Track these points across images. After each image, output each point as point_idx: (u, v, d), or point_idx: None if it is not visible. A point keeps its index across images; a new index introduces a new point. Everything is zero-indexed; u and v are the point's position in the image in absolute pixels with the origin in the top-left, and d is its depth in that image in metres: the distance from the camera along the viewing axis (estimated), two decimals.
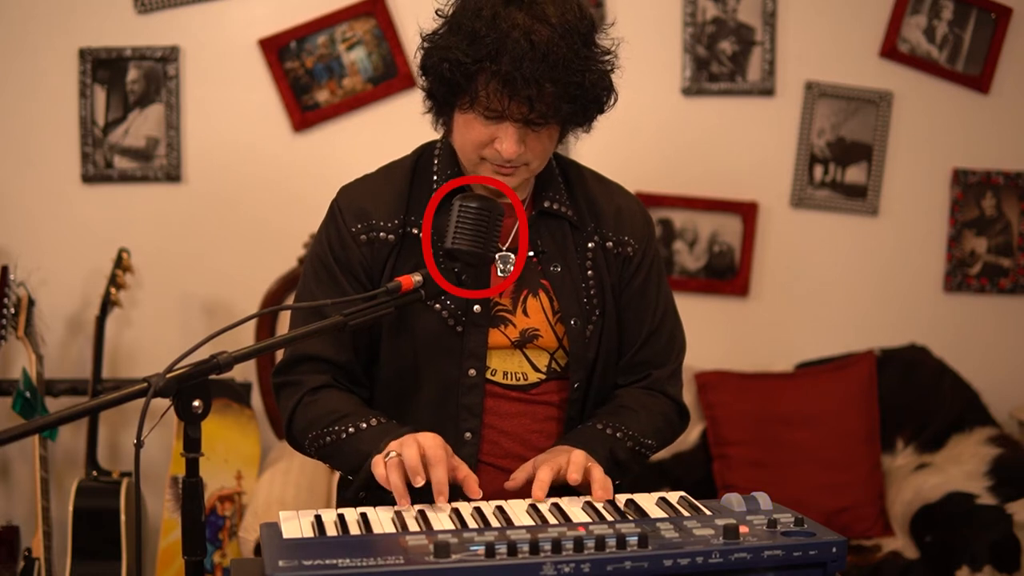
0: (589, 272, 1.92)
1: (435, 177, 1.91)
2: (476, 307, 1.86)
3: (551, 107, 1.73)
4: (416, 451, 1.67)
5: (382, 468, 1.68)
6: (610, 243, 1.94)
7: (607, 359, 1.94)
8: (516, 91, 1.70)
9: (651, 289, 1.97)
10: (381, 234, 1.87)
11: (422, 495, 1.69)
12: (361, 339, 1.89)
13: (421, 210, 1.89)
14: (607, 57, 1.80)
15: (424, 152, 1.96)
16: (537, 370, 1.91)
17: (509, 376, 1.89)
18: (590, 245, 1.93)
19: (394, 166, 1.96)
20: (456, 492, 1.72)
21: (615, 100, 1.84)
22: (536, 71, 1.68)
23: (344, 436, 1.80)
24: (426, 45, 1.79)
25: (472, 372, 1.86)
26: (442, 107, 1.84)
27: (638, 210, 2.00)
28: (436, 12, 1.80)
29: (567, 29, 1.72)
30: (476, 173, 1.84)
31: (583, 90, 1.73)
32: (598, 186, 1.99)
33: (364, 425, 1.79)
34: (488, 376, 1.88)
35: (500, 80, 1.70)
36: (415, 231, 1.88)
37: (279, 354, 2.03)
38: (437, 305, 1.85)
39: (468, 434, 1.87)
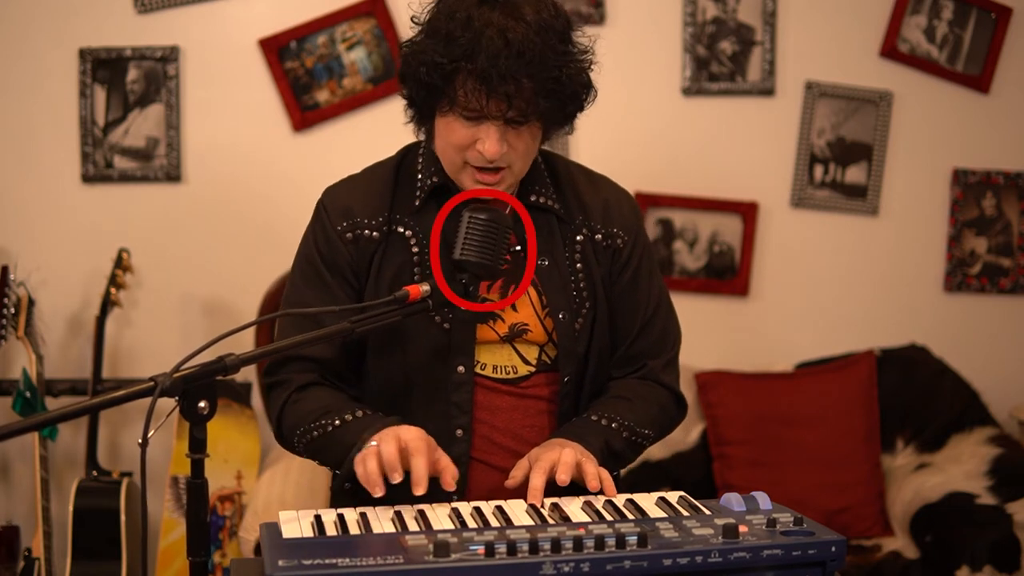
0: (578, 265, 1.92)
1: (419, 176, 1.92)
2: None
3: (530, 103, 1.74)
4: (395, 446, 1.64)
5: (362, 465, 1.65)
6: (599, 236, 1.94)
7: (600, 352, 1.93)
8: (493, 88, 1.71)
9: (643, 280, 1.97)
10: (366, 232, 1.88)
11: (402, 489, 1.66)
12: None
13: (405, 208, 1.90)
14: (584, 55, 1.81)
15: (408, 152, 1.97)
16: (527, 363, 1.90)
17: (499, 370, 1.89)
18: (578, 238, 1.93)
19: (378, 166, 1.97)
20: (438, 493, 1.69)
21: (594, 96, 1.85)
22: (512, 67, 1.69)
23: (330, 429, 1.79)
24: (404, 52, 1.81)
25: (461, 368, 1.86)
26: (423, 113, 1.85)
27: (626, 202, 2.00)
28: (412, 19, 1.82)
29: (542, 26, 1.73)
30: (458, 178, 1.85)
31: (560, 85, 1.74)
32: (585, 180, 1.99)
33: (349, 417, 1.78)
34: (478, 371, 1.88)
35: (477, 78, 1.71)
36: (400, 229, 1.89)
37: None
38: None
39: (459, 431, 1.87)
